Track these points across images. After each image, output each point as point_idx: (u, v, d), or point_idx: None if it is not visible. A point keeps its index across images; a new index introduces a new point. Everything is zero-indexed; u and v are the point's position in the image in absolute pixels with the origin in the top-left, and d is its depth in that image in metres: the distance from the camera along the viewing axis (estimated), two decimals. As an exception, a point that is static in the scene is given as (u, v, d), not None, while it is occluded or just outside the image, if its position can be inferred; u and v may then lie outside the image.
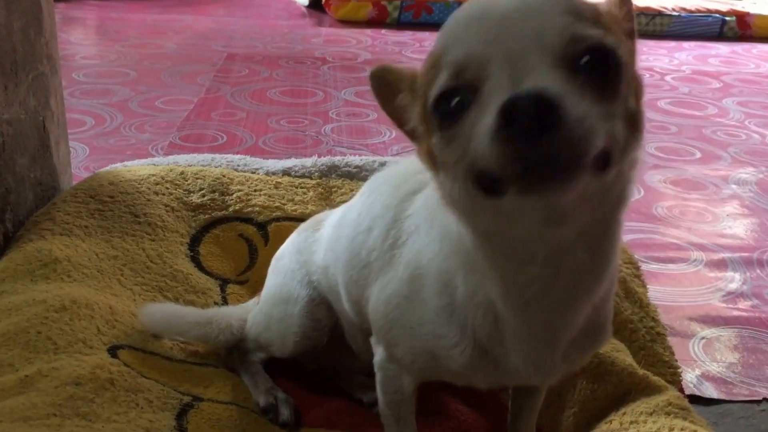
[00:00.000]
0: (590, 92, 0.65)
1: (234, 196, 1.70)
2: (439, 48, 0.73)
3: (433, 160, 0.77)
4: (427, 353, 0.95)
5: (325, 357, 1.37)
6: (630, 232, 2.08)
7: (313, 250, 1.29)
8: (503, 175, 0.64)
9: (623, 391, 1.26)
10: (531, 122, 0.60)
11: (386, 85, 0.84)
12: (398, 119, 0.84)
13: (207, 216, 1.66)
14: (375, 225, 1.07)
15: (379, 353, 1.06)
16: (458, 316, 0.90)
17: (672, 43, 4.41)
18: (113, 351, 1.22)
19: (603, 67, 0.67)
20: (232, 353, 1.39)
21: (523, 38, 0.65)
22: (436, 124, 0.72)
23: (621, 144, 0.68)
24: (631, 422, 1.16)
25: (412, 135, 0.83)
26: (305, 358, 1.37)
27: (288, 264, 1.33)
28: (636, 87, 0.75)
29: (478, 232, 0.79)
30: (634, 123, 0.72)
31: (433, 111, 0.72)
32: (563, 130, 0.60)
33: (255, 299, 1.44)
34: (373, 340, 1.08)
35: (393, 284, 0.99)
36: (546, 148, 0.61)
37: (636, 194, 2.34)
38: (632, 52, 0.76)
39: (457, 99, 0.69)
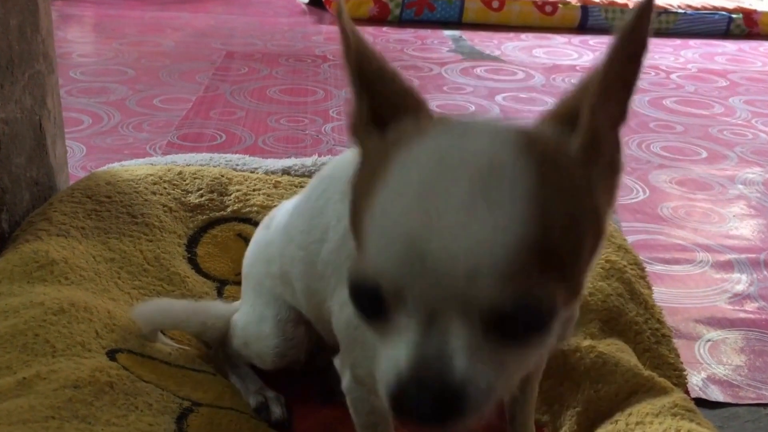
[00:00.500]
0: (508, 346, 0.59)
1: (232, 196, 1.70)
2: (371, 211, 0.61)
3: None
4: None
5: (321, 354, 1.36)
6: (635, 232, 2.08)
7: (270, 258, 1.24)
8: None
9: (628, 392, 1.26)
10: (422, 414, 0.57)
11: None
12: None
13: (205, 217, 1.67)
14: (327, 236, 1.01)
15: (345, 378, 1.02)
16: None
17: (678, 41, 4.41)
18: (112, 354, 1.23)
19: (528, 329, 0.59)
20: (218, 354, 1.39)
21: (443, 287, 0.57)
22: (351, 301, 0.65)
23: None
24: (637, 423, 1.16)
25: None
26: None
27: (256, 276, 1.30)
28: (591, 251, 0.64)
29: None
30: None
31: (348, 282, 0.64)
32: (460, 415, 0.57)
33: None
34: (337, 363, 1.05)
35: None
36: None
37: (641, 194, 2.34)
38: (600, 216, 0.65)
39: (372, 297, 0.61)
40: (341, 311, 0.97)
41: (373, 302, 0.61)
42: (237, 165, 1.81)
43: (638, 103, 3.25)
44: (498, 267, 0.56)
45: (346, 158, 1.11)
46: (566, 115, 0.64)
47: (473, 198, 0.57)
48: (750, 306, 1.78)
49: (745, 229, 2.17)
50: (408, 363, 0.58)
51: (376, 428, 1.06)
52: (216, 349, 1.41)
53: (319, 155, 1.92)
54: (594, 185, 0.63)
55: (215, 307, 1.43)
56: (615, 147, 0.66)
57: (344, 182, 0.98)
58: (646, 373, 1.28)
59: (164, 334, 1.41)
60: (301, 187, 1.75)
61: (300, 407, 1.34)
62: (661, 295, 1.76)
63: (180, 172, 1.73)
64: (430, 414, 0.57)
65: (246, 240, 1.66)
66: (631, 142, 2.79)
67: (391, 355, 0.60)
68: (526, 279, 0.57)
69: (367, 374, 0.94)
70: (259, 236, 1.33)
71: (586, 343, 1.33)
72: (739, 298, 1.82)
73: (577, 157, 0.62)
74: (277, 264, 1.20)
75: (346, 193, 0.96)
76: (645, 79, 3.60)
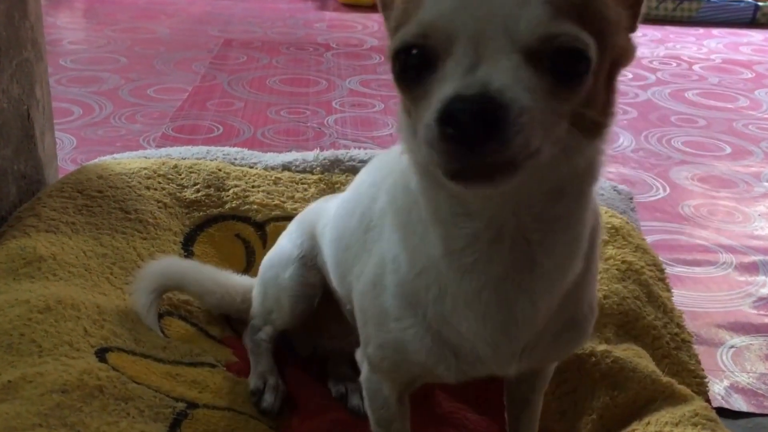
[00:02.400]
0: (547, 86, 0.68)
1: (230, 192, 1.70)
2: None
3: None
4: (391, 346, 0.97)
5: (321, 342, 1.46)
6: (654, 232, 2.08)
7: (319, 216, 1.35)
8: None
9: (646, 399, 1.27)
10: (469, 132, 0.64)
11: None
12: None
13: (201, 213, 1.67)
14: (357, 207, 1.11)
15: (363, 368, 1.09)
16: (409, 294, 0.93)
17: (701, 30, 4.40)
18: (102, 354, 1.23)
19: (568, 68, 0.69)
20: (247, 333, 1.46)
21: (494, 22, 0.67)
22: (396, 71, 0.74)
23: (559, 142, 0.71)
24: (656, 432, 1.17)
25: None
26: (302, 340, 1.48)
27: (289, 229, 1.42)
28: (616, 61, 0.77)
29: (421, 172, 0.83)
30: (588, 120, 0.73)
31: (394, 58, 0.74)
32: (503, 138, 0.64)
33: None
34: (358, 356, 1.10)
35: (366, 273, 1.01)
36: (484, 154, 0.65)
37: (661, 192, 2.34)
38: (624, 24, 0.77)
39: (418, 58, 0.71)
40: (358, 282, 1.03)
41: (420, 57, 0.70)
42: (235, 159, 1.81)
43: (659, 95, 3.25)
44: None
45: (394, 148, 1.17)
46: None
47: None
48: (775, 310, 1.78)
49: (770, 229, 2.16)
50: (455, 88, 0.66)
51: (390, 426, 1.09)
52: (244, 327, 1.48)
53: (322, 149, 1.92)
54: None
55: (235, 281, 1.50)
56: None
57: (378, 169, 1.11)
58: (665, 379, 1.28)
59: (163, 332, 1.42)
60: (302, 183, 1.77)
61: (304, 411, 1.35)
62: (682, 298, 1.76)
63: (175, 166, 1.73)
64: (474, 123, 0.63)
65: (245, 241, 1.67)
66: (650, 136, 2.79)
67: (438, 96, 0.67)
68: (566, 17, 0.67)
69: (374, 347, 0.99)
70: (315, 204, 1.46)
71: (602, 347, 1.33)
72: (765, 302, 1.81)
73: None
74: (328, 226, 1.28)
75: (376, 174, 1.09)
76: (666, 71, 3.59)
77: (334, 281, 1.24)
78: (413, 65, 0.72)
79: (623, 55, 0.78)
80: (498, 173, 0.68)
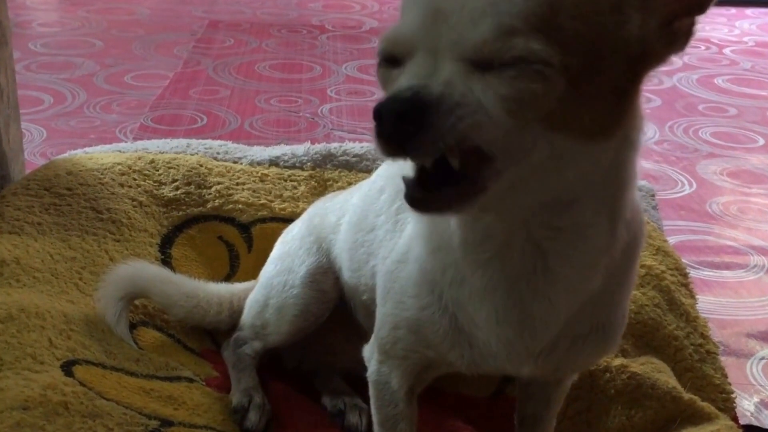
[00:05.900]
0: (504, 91, 0.73)
1: (212, 189, 1.70)
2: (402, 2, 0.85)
3: None
4: (406, 325, 1.03)
5: (309, 354, 1.46)
6: (678, 232, 2.08)
7: (327, 211, 1.39)
8: None
9: (665, 419, 1.27)
10: (388, 127, 0.73)
11: None
12: None
13: (181, 213, 1.67)
14: (387, 186, 1.18)
15: (373, 361, 1.13)
16: (426, 272, 1.00)
17: (732, 10, 4.40)
18: (68, 367, 1.23)
19: (522, 76, 0.73)
20: (228, 346, 1.45)
21: (445, 39, 0.76)
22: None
23: (536, 151, 0.76)
24: (675, 455, 1.17)
25: None
26: (289, 352, 1.47)
27: (297, 232, 1.43)
28: (638, 61, 0.79)
29: None
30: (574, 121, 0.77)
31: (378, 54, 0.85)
32: (429, 135, 0.72)
33: (250, 282, 1.49)
34: (366, 352, 1.15)
35: (395, 252, 1.09)
36: (411, 150, 0.73)
37: (687, 188, 2.34)
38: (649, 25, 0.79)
39: (389, 58, 0.82)
40: (384, 263, 1.11)
41: (391, 57, 0.81)
42: (218, 153, 1.81)
43: (685, 81, 3.24)
44: (488, 16, 0.73)
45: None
46: None
47: None
48: (811, 319, 1.78)
49: (807, 229, 2.16)
50: (395, 89, 0.76)
51: (396, 427, 1.12)
52: (225, 342, 1.47)
53: (316, 141, 1.92)
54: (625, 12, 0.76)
55: (208, 291, 1.49)
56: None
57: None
58: (687, 396, 1.28)
59: (136, 343, 1.42)
60: (291, 180, 1.77)
61: (293, 427, 1.35)
62: (708, 305, 1.76)
63: (152, 161, 1.73)
64: (393, 118, 0.72)
65: (228, 244, 1.67)
66: (676, 127, 2.79)
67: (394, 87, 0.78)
68: (520, 33, 0.72)
69: (387, 330, 1.06)
70: (320, 201, 1.49)
71: (618, 362, 1.33)
72: (799, 309, 1.81)
73: None
74: (335, 218, 1.35)
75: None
76: (693, 54, 3.59)
77: (348, 272, 1.28)
78: (386, 60, 0.82)
79: (649, 55, 0.80)
80: (457, 200, 0.76)
